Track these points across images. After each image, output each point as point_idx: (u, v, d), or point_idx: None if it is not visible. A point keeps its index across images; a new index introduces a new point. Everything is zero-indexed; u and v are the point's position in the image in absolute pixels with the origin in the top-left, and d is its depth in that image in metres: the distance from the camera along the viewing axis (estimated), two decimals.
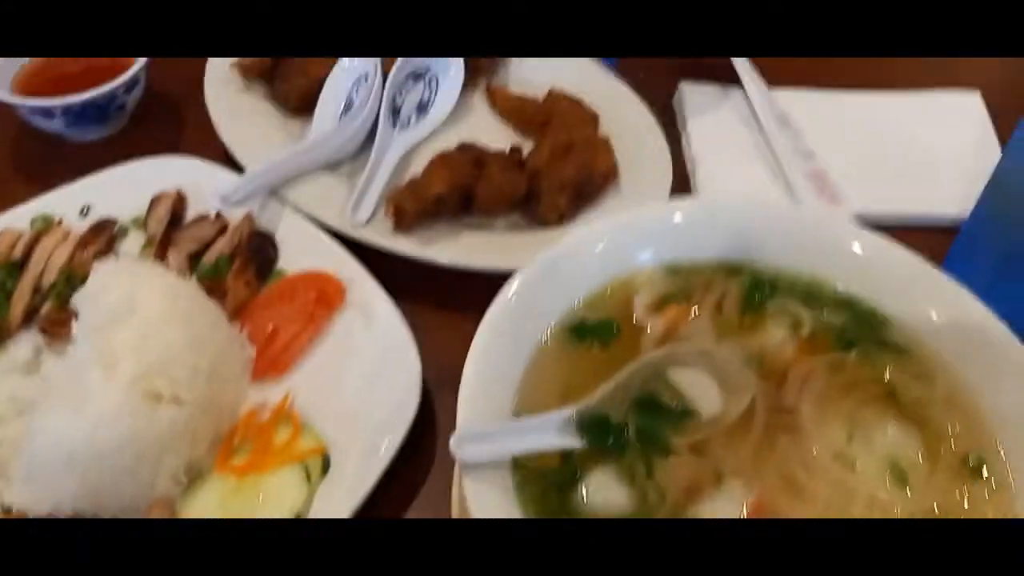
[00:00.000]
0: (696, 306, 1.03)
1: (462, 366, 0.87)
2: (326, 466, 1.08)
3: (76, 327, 1.08)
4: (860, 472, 0.88)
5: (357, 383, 1.15)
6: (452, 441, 0.82)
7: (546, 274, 0.99)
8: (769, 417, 0.92)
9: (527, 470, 0.87)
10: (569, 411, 0.89)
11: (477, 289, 0.93)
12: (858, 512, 0.85)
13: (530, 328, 0.98)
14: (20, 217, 1.33)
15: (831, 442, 0.90)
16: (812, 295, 1.04)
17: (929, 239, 1.19)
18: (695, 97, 1.61)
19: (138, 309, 1.06)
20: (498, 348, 0.93)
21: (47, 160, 1.51)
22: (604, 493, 0.86)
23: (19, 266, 1.27)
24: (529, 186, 1.32)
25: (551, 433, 0.88)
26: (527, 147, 1.41)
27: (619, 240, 1.05)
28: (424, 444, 1.15)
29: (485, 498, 0.82)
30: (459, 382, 0.86)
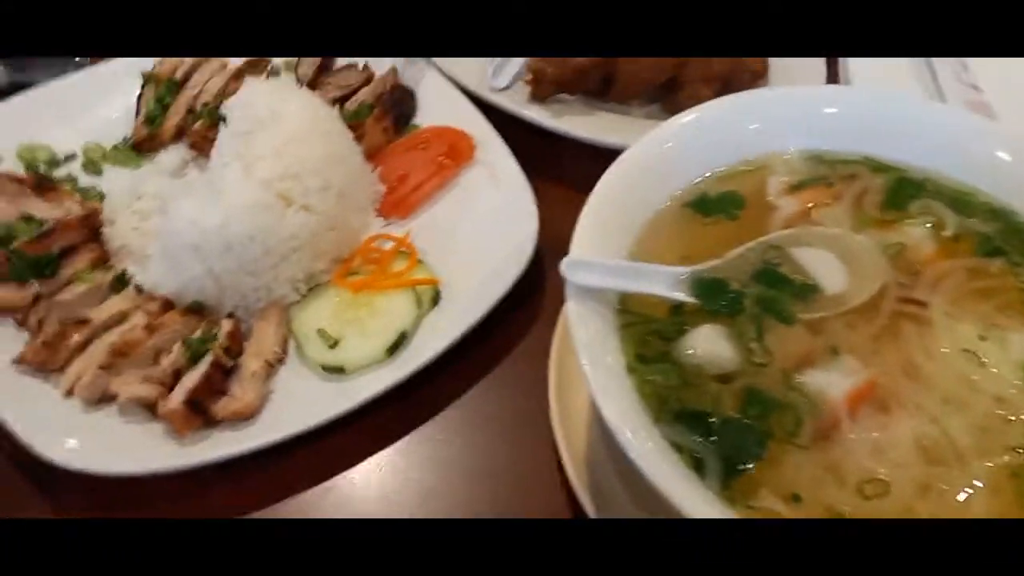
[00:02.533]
0: (836, 195, 0.99)
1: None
2: (436, 299, 1.11)
3: (221, 136, 1.14)
4: (990, 369, 0.83)
5: (476, 233, 1.17)
6: (564, 263, 0.82)
7: (681, 139, 0.98)
8: (897, 306, 0.88)
9: (633, 315, 0.87)
10: (687, 269, 0.88)
11: (602, 169, 0.91)
12: (982, 407, 0.80)
13: (658, 186, 0.97)
14: None
15: (961, 338, 0.85)
16: (961, 201, 0.98)
17: None
18: None
19: (281, 120, 1.11)
20: (623, 194, 0.92)
21: None
22: (710, 346, 0.85)
23: (179, 85, 1.35)
24: (674, 74, 1.29)
25: (664, 283, 0.87)
26: None
27: (762, 119, 1.02)
28: (531, 304, 1.16)
29: (587, 325, 0.81)
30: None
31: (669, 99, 1.31)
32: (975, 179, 0.99)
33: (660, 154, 0.95)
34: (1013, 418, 0.79)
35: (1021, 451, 0.77)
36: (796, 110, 1.03)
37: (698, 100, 1.27)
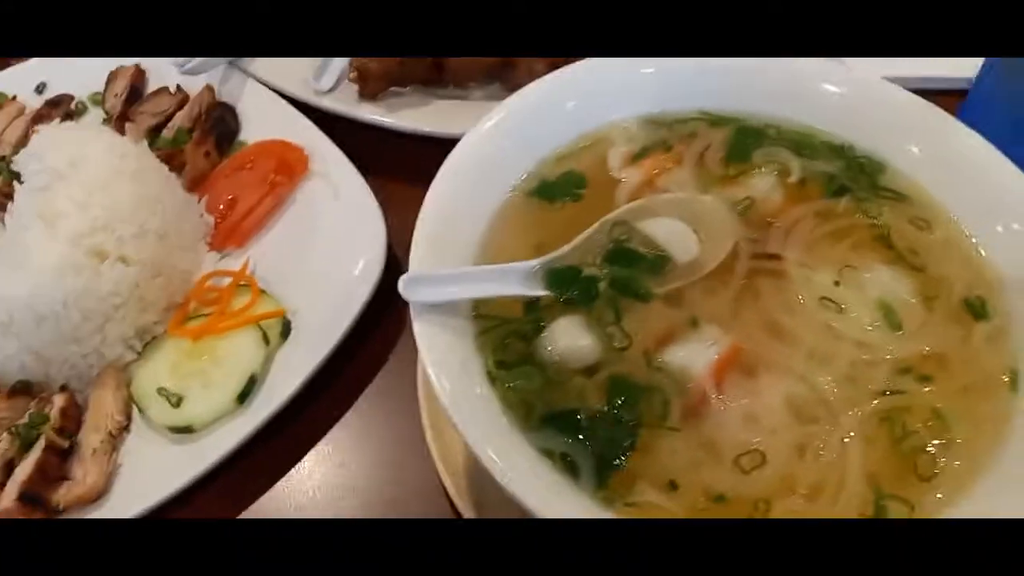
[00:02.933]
0: (677, 157, 0.96)
1: None
2: (286, 331, 1.03)
3: (18, 190, 1.03)
4: (848, 314, 0.81)
5: (320, 251, 1.10)
6: (401, 282, 0.75)
7: (511, 126, 0.92)
8: (752, 264, 0.85)
9: (488, 319, 0.81)
10: (534, 262, 0.83)
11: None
12: (845, 355, 0.79)
13: (495, 180, 0.91)
14: None
15: (818, 287, 0.84)
16: (802, 144, 0.96)
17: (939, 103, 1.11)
18: None
19: (83, 167, 1.00)
20: (459, 195, 0.86)
21: None
22: (569, 339, 0.80)
23: None
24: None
25: (513, 282, 0.82)
26: None
27: (590, 92, 0.97)
28: (392, 319, 1.10)
29: (437, 342, 0.75)
30: None
31: (506, 76, 1.25)
32: (812, 118, 0.97)
33: (493, 144, 0.90)
34: (875, 359, 0.78)
35: (888, 393, 0.76)
36: (626, 75, 0.98)
37: (535, 74, 1.22)
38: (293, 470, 0.99)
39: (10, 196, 1.12)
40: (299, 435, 1.00)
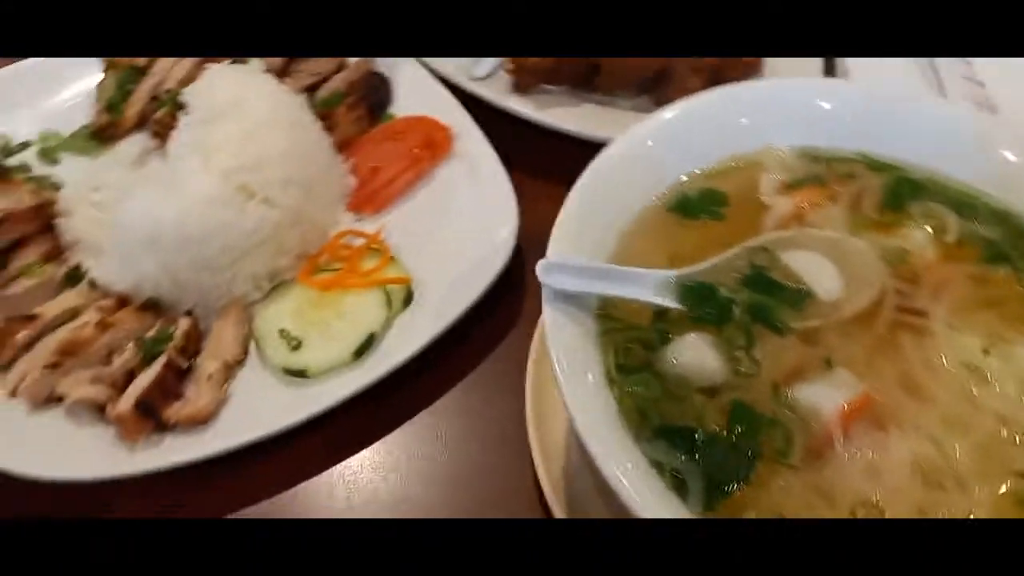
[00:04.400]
0: (831, 195, 0.93)
1: None
2: (408, 299, 1.05)
3: (181, 121, 1.07)
4: (993, 386, 0.77)
5: (452, 229, 1.12)
6: (539, 265, 0.76)
7: (665, 136, 0.92)
8: (896, 316, 0.82)
9: (613, 320, 0.81)
10: (670, 272, 0.82)
11: (587, 164, 0.85)
12: (984, 427, 0.75)
13: (642, 184, 0.91)
14: None
15: (963, 351, 0.79)
16: (964, 204, 0.92)
17: None
18: None
19: (243, 108, 1.05)
20: (604, 193, 0.86)
21: None
22: (695, 356, 0.79)
23: (141, 71, 1.28)
24: (662, 65, 1.22)
25: (647, 288, 0.81)
26: None
27: (754, 113, 0.96)
28: (509, 305, 1.10)
29: (563, 331, 0.75)
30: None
31: (657, 91, 1.24)
32: (979, 180, 0.93)
33: (644, 150, 0.89)
34: (1019, 440, 0.74)
35: None
36: (790, 104, 0.97)
37: (687, 92, 1.21)
38: (391, 435, 1.00)
39: (171, 127, 1.18)
40: (403, 403, 1.02)
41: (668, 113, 0.93)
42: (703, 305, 0.82)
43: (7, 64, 1.30)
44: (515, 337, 1.08)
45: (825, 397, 0.76)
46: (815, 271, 0.86)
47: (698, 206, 0.91)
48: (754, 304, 0.82)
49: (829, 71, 1.32)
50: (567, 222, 0.82)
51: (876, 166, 0.95)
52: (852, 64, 1.34)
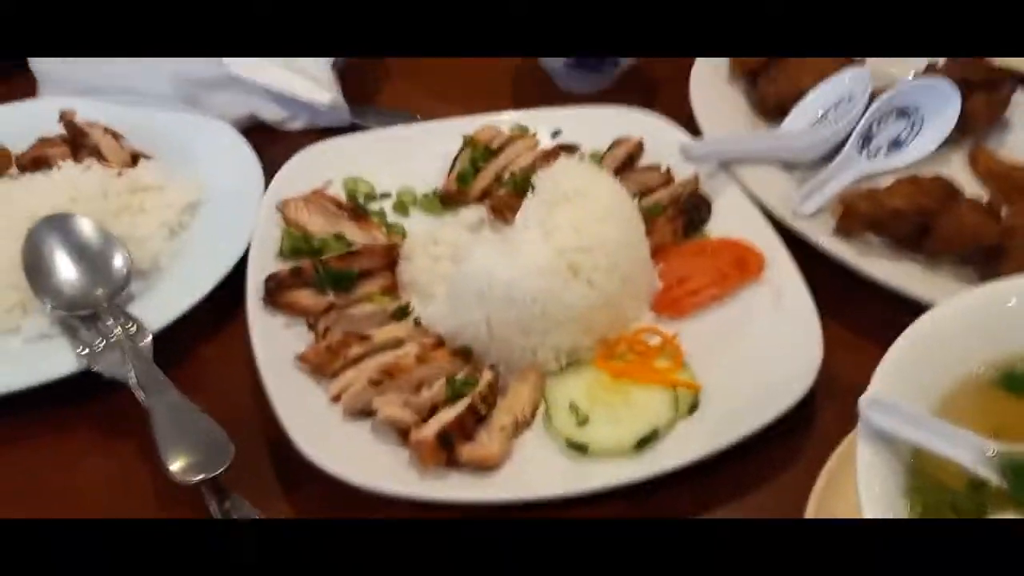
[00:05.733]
0: None
1: (854, 384, 0.78)
2: (694, 407, 1.07)
3: (527, 202, 1.20)
4: None
5: (748, 351, 1.13)
6: (863, 399, 0.76)
7: (1013, 302, 0.89)
8: None
9: (926, 478, 0.78)
10: (993, 444, 0.78)
11: (896, 319, 0.84)
12: None
13: (978, 348, 0.87)
14: (505, 122, 1.52)
15: None
16: None
17: None
18: None
19: (586, 198, 1.15)
20: (930, 351, 0.84)
21: (543, 96, 1.69)
22: None
23: (493, 152, 1.45)
24: (999, 241, 1.18)
25: (970, 452, 0.78)
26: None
27: None
28: (791, 443, 1.09)
29: (878, 476, 0.74)
30: (848, 397, 0.78)
31: (988, 265, 1.20)
32: None
33: (991, 312, 0.86)
34: None
35: None
36: None
37: (1022, 271, 1.16)
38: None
39: (508, 207, 1.31)
40: (671, 509, 1.03)
41: (1005, 286, 0.90)
42: None
43: (386, 126, 1.53)
44: (790, 478, 1.06)
45: None
46: None
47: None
48: None
49: None
50: (892, 365, 0.81)
51: None
52: None
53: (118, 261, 1.26)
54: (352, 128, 1.57)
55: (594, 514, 1.00)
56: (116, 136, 1.48)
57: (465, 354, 1.14)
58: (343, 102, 1.59)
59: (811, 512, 0.94)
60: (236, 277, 1.24)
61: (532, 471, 1.02)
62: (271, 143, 1.55)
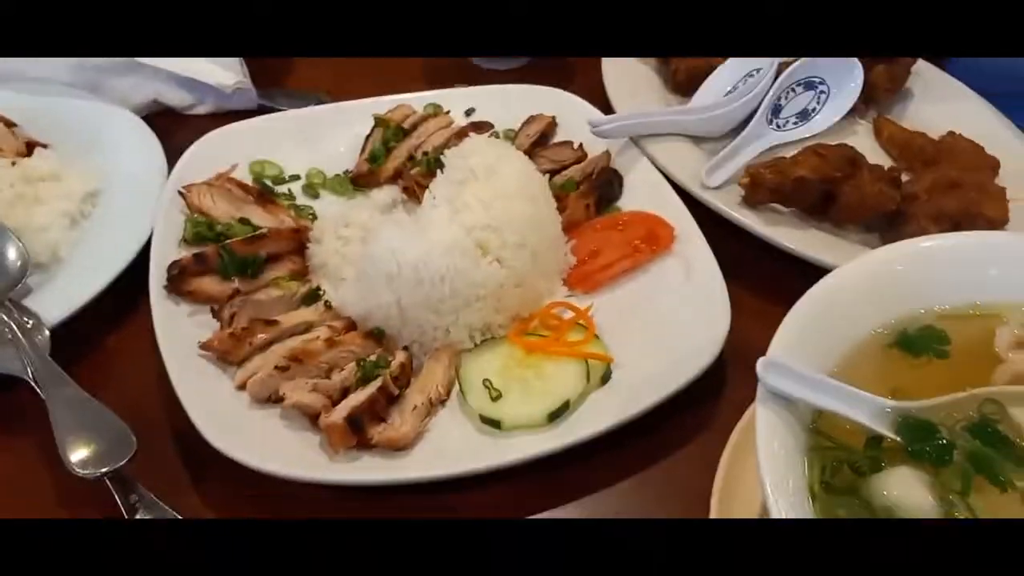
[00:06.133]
0: None
1: (762, 351, 0.79)
2: (606, 378, 1.08)
3: (436, 180, 1.19)
4: None
5: (658, 322, 1.14)
6: (760, 363, 0.77)
7: (912, 264, 0.91)
8: None
9: (825, 438, 0.80)
10: (889, 402, 0.81)
11: (802, 286, 0.85)
12: None
13: (874, 311, 0.90)
14: (418, 100, 1.50)
15: None
16: None
17: None
18: None
19: (495, 176, 1.14)
20: (826, 315, 0.86)
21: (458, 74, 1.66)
22: (908, 491, 0.76)
23: (405, 132, 1.43)
24: (900, 207, 1.22)
25: (866, 411, 0.80)
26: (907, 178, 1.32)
27: (1005, 265, 0.93)
28: (702, 409, 1.11)
29: (776, 437, 0.75)
30: (755, 364, 0.78)
31: (890, 231, 1.23)
32: None
33: (885, 275, 0.89)
34: None
35: None
36: None
37: (923, 233, 1.20)
38: (570, 504, 1.02)
39: (421, 186, 1.30)
40: (585, 480, 1.04)
41: (919, 244, 0.92)
42: (922, 442, 0.79)
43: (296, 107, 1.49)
44: (701, 444, 1.07)
45: None
46: None
47: (925, 345, 0.89)
48: (976, 453, 0.79)
49: None
50: (791, 329, 0.83)
51: None
52: None
53: (12, 254, 1.21)
54: (261, 111, 1.54)
55: (509, 489, 1.00)
56: (9, 124, 1.43)
57: (378, 336, 1.12)
58: (250, 84, 1.55)
59: (719, 478, 0.96)
60: (140, 266, 1.21)
61: (446, 449, 1.01)
62: (178, 128, 1.50)
